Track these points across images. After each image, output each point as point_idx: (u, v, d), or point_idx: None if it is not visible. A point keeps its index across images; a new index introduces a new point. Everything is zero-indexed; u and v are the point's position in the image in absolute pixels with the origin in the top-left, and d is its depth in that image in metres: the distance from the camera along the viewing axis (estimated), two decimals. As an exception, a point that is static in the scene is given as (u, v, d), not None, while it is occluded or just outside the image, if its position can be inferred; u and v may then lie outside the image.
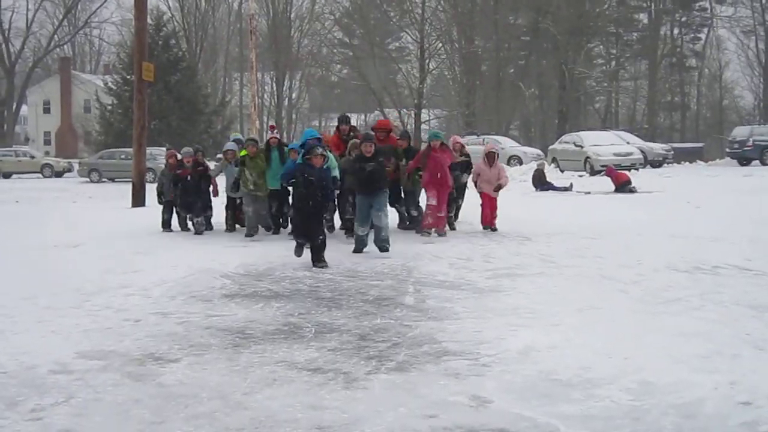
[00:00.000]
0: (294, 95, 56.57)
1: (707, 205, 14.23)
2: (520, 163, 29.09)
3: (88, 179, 32.60)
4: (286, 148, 11.02)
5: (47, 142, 63.56)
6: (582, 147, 26.98)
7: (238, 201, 11.67)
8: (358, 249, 9.33)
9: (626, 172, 20.08)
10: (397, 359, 4.81)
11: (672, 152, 30.99)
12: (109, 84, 42.10)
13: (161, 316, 6.09)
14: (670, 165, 29.40)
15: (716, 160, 33.99)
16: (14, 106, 54.10)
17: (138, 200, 16.81)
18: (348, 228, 10.30)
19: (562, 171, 26.92)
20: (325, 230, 8.93)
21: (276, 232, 11.31)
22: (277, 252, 9.40)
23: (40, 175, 36.67)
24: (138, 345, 5.22)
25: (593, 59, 49.35)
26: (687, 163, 31.87)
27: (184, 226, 11.86)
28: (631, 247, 9.36)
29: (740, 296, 6.45)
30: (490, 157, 11.37)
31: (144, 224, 12.51)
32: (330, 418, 3.83)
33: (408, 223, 11.35)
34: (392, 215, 10.56)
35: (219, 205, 12.10)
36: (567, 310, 6.06)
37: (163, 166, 13.24)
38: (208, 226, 11.86)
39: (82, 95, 58.87)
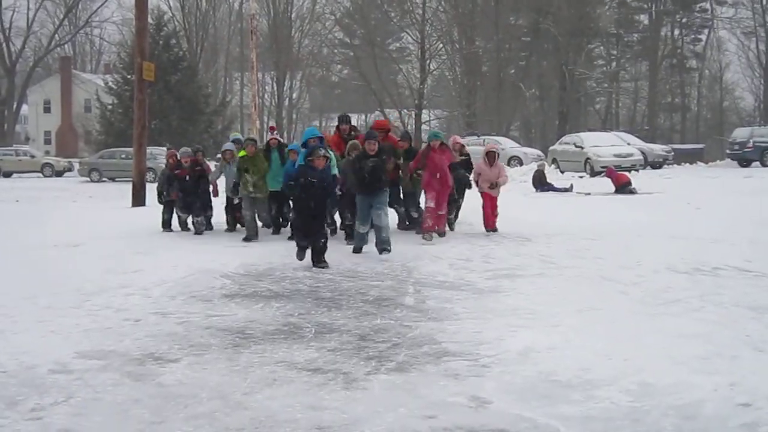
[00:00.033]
0: (294, 95, 56.60)
1: (707, 207, 14.23)
2: (521, 163, 29.08)
3: (88, 179, 32.60)
4: (286, 149, 10.96)
5: (47, 142, 63.56)
6: (582, 148, 26.97)
7: (236, 201, 11.59)
8: (359, 245, 9.33)
9: (626, 173, 20.07)
10: (396, 360, 4.82)
11: (672, 153, 30.98)
12: (110, 83, 42.11)
13: (161, 316, 6.10)
14: (670, 166, 29.38)
15: (716, 161, 33.98)
16: (15, 106, 54.08)
17: (138, 200, 16.81)
18: (348, 234, 10.23)
19: (562, 172, 26.91)
20: (327, 232, 8.88)
21: (276, 232, 11.30)
22: (277, 252, 9.40)
23: (40, 175, 36.66)
24: (138, 345, 5.22)
25: (594, 60, 49.39)
26: (687, 164, 31.86)
27: (184, 226, 11.86)
28: (631, 249, 9.35)
29: (740, 298, 6.45)
30: (491, 156, 11.32)
31: (144, 224, 12.50)
32: (330, 418, 3.83)
33: (407, 223, 11.34)
34: (392, 216, 10.56)
35: (219, 205, 12.10)
36: (567, 311, 6.06)
37: (164, 165, 13.23)
38: (208, 226, 11.85)
39: (82, 95, 58.90)
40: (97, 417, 3.90)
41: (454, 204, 11.48)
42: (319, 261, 8.28)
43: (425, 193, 10.39)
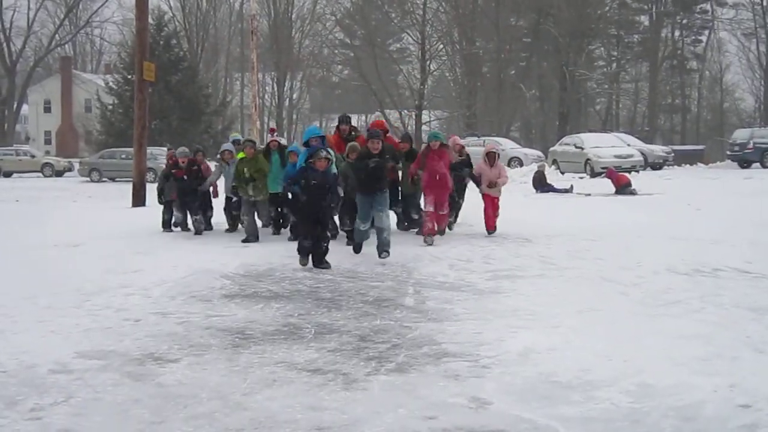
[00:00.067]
0: (295, 96, 56.61)
1: (708, 208, 14.23)
2: (521, 164, 29.06)
3: (88, 179, 32.59)
4: (286, 151, 10.91)
5: (48, 142, 63.60)
6: (582, 149, 26.97)
7: (234, 198, 11.53)
8: (359, 241, 9.32)
9: (627, 174, 20.08)
10: (396, 360, 4.81)
11: (672, 154, 30.97)
12: (110, 83, 42.10)
13: (161, 316, 6.10)
14: (670, 167, 29.37)
15: (717, 162, 34.00)
16: (15, 106, 54.10)
17: (138, 200, 16.81)
18: (349, 236, 10.19)
19: (562, 173, 26.91)
20: (329, 237, 8.83)
21: (276, 232, 11.29)
22: (277, 253, 9.40)
23: (40, 175, 36.65)
24: (138, 345, 5.22)
25: (594, 61, 49.41)
26: (687, 165, 31.85)
27: (184, 226, 11.84)
28: (632, 249, 9.35)
29: (740, 299, 6.45)
30: (491, 157, 11.19)
31: (144, 224, 12.51)
32: (329, 419, 3.83)
33: (406, 224, 11.32)
34: (391, 216, 10.53)
35: (219, 206, 12.10)
36: (567, 311, 6.05)
37: (164, 166, 13.22)
38: (208, 226, 11.85)
39: (82, 95, 58.96)
40: (97, 417, 3.90)
41: (454, 205, 11.46)
42: (320, 262, 8.26)
43: (425, 196, 10.29)
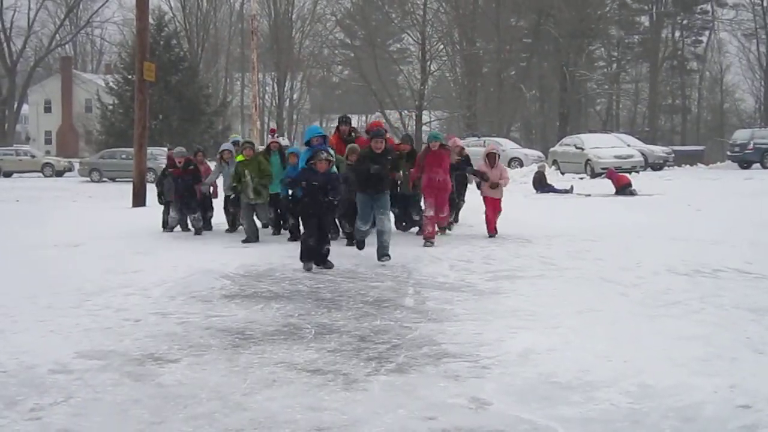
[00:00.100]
0: (295, 96, 56.60)
1: (708, 208, 14.23)
2: (521, 165, 29.08)
3: (88, 179, 32.60)
4: (286, 152, 10.90)
5: (48, 142, 63.62)
6: (583, 149, 26.98)
7: (232, 196, 11.50)
8: (360, 238, 9.31)
9: (627, 175, 20.09)
10: (396, 361, 4.81)
11: (673, 155, 30.98)
12: (111, 84, 42.09)
13: (161, 316, 6.10)
14: (670, 168, 29.39)
15: (717, 163, 34.00)
16: (15, 105, 54.14)
17: (138, 200, 16.82)
18: (348, 237, 10.16)
19: (562, 173, 26.92)
20: (330, 236, 8.78)
21: (276, 233, 11.29)
22: (277, 253, 9.40)
23: (40, 175, 36.67)
24: (137, 345, 5.22)
25: (594, 61, 49.40)
26: (688, 165, 31.85)
27: (183, 227, 11.85)
28: (632, 250, 9.35)
29: (740, 299, 6.45)
30: (491, 158, 11.10)
31: (144, 224, 12.51)
32: (329, 419, 3.83)
33: (404, 224, 11.30)
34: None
35: (219, 206, 12.10)
36: (567, 312, 6.05)
37: (164, 166, 13.21)
38: (208, 227, 11.85)
39: (83, 95, 58.97)
40: (97, 417, 3.90)
41: (454, 206, 11.43)
42: (323, 262, 8.23)
43: (425, 198, 10.18)
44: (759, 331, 5.43)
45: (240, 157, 10.83)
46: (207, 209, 11.92)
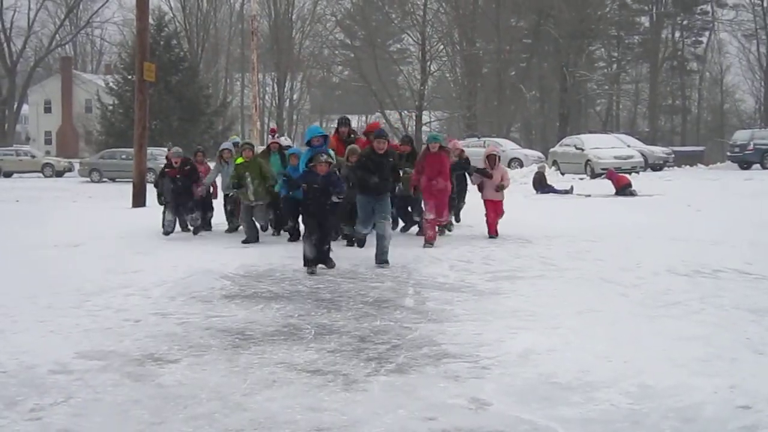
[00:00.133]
0: (295, 96, 56.62)
1: (708, 209, 14.24)
2: (521, 165, 29.07)
3: (88, 179, 32.58)
4: (286, 152, 10.88)
5: (48, 142, 63.62)
6: (583, 150, 26.97)
7: (231, 194, 11.47)
8: (360, 237, 9.29)
9: (627, 175, 20.09)
10: (396, 361, 4.81)
11: (673, 155, 30.99)
12: (111, 84, 42.10)
13: (161, 316, 6.09)
14: (670, 168, 29.39)
15: (717, 163, 34.00)
16: (15, 106, 54.15)
17: (138, 200, 16.81)
18: (348, 238, 10.14)
19: (562, 174, 26.91)
20: (331, 236, 8.75)
21: (276, 233, 11.29)
22: (277, 253, 9.40)
23: (40, 175, 36.66)
24: (137, 345, 5.22)
25: (594, 62, 49.40)
26: (688, 166, 31.83)
27: (184, 227, 11.84)
28: (632, 250, 9.35)
29: (740, 300, 6.45)
30: (491, 159, 11.02)
31: (144, 224, 12.50)
32: (329, 419, 3.83)
33: (405, 224, 11.28)
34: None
35: (219, 206, 12.10)
36: (567, 312, 6.05)
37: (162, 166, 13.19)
38: (208, 227, 11.85)
39: (83, 95, 58.97)
40: (97, 417, 3.90)
41: (454, 206, 11.41)
42: (324, 261, 8.22)
43: (425, 201, 10.11)
44: (759, 331, 5.43)
45: (240, 159, 10.76)
46: (207, 209, 11.91)
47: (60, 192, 24.90)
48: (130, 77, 37.61)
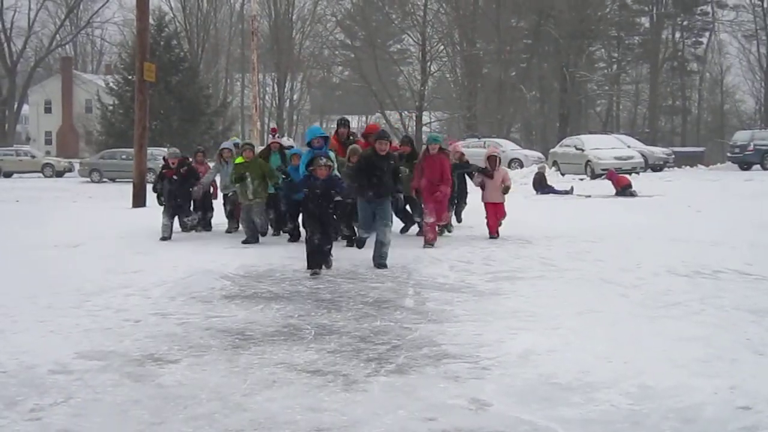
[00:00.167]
0: (295, 97, 56.64)
1: (708, 210, 14.24)
2: (521, 166, 29.09)
3: (88, 179, 32.60)
4: (287, 153, 10.87)
5: (48, 142, 63.65)
6: (583, 150, 26.99)
7: (230, 193, 11.45)
8: (361, 240, 9.32)
9: (627, 176, 20.10)
10: (396, 362, 4.81)
11: (673, 156, 31.01)
12: (111, 84, 42.10)
13: (161, 316, 6.09)
14: (670, 169, 29.40)
15: (717, 164, 34.01)
16: (15, 106, 54.19)
17: (139, 200, 16.82)
18: (347, 239, 10.13)
19: (563, 174, 26.92)
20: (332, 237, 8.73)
21: (276, 234, 11.28)
22: (277, 253, 9.40)
23: (40, 175, 36.68)
24: (137, 345, 5.22)
25: (595, 63, 49.42)
26: (688, 167, 31.83)
27: (184, 227, 11.83)
28: (632, 251, 9.35)
29: (740, 301, 6.45)
30: (492, 161, 10.96)
31: (144, 224, 12.50)
32: (329, 420, 3.83)
33: (405, 224, 11.27)
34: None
35: (219, 206, 12.09)
36: (567, 313, 6.05)
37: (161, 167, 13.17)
38: (207, 227, 11.84)
39: (83, 95, 59.01)
40: (97, 418, 3.90)
41: (453, 209, 11.38)
42: (324, 260, 8.21)
43: (425, 204, 10.06)
44: (759, 332, 5.43)
45: (240, 159, 10.74)
46: (207, 209, 11.90)
47: (60, 192, 24.91)
48: (130, 77, 37.61)
